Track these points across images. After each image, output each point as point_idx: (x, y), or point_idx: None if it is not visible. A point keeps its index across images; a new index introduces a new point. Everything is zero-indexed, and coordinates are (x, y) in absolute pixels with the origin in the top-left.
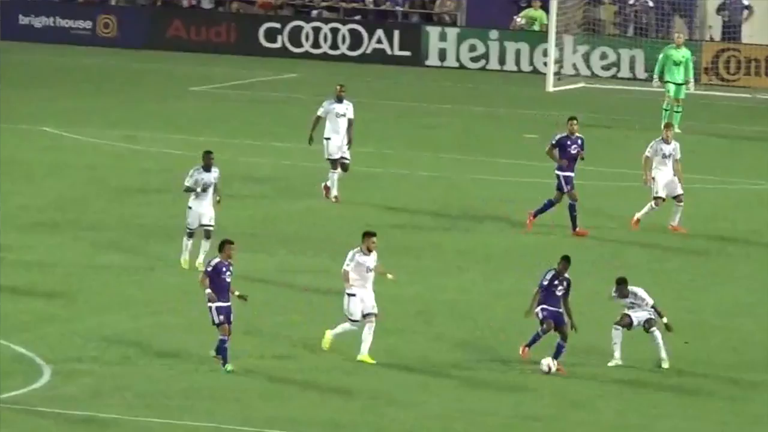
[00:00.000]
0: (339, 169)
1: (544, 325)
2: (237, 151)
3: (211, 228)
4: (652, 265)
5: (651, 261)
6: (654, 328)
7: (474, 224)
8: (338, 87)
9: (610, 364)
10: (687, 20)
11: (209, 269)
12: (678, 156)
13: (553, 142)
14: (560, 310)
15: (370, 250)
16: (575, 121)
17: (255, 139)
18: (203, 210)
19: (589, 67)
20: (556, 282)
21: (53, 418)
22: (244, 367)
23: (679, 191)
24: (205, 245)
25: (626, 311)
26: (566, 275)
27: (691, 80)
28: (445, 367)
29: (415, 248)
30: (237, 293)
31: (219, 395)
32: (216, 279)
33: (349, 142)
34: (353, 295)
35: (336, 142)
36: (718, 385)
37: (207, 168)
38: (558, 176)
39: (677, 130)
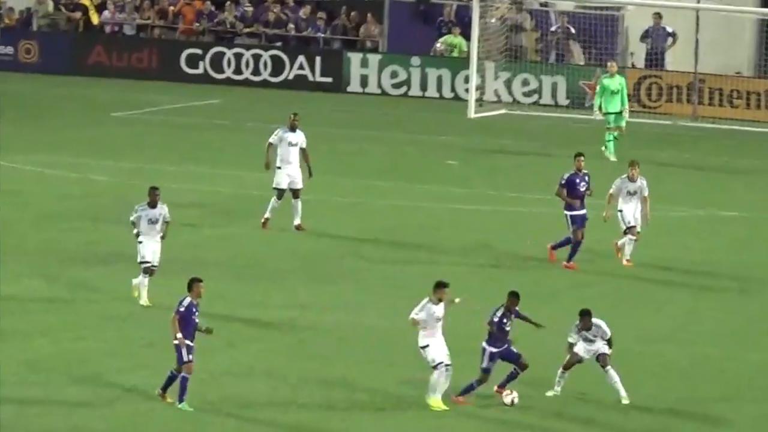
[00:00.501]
0: (281, 200)
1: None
2: (159, 177)
3: (155, 267)
4: (572, 291)
5: (571, 287)
6: (608, 367)
7: (395, 251)
8: (292, 116)
9: (548, 393)
10: (608, 47)
11: (182, 309)
12: (645, 193)
13: (563, 182)
14: (507, 346)
15: (440, 300)
16: (582, 158)
17: (176, 165)
18: (154, 247)
19: (510, 93)
20: (505, 320)
21: None
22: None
23: (638, 227)
24: (144, 281)
25: (578, 345)
26: (515, 309)
27: (626, 108)
28: (367, 391)
29: (336, 275)
30: (204, 328)
31: (141, 422)
32: (187, 319)
33: (310, 172)
34: (427, 346)
35: (286, 171)
36: (639, 414)
37: (152, 205)
38: (566, 216)
39: (613, 159)
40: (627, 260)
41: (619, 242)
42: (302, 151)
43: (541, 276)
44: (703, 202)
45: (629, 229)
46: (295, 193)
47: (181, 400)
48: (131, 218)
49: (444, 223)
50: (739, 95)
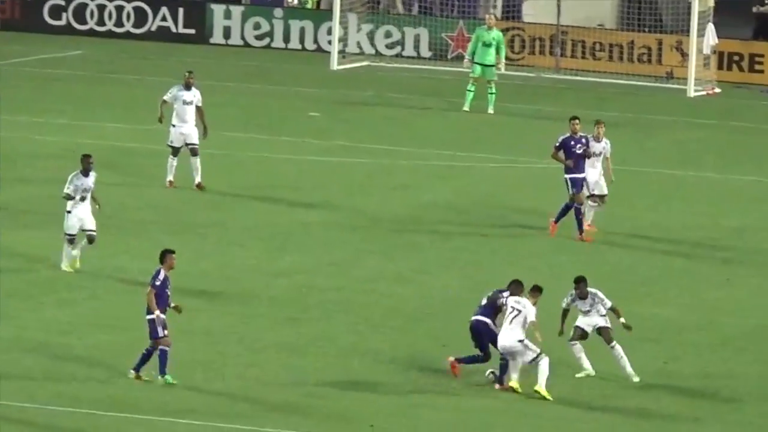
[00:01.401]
0: (177, 157)
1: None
2: (22, 129)
3: (94, 233)
4: (436, 244)
5: (435, 240)
6: (614, 343)
7: (257, 202)
8: (186, 74)
9: (578, 375)
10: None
11: (158, 283)
12: (608, 154)
13: (557, 144)
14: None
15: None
16: (577, 121)
17: (40, 117)
18: (83, 215)
19: (373, 45)
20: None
21: None
22: (27, 347)
23: (604, 191)
24: (83, 247)
25: (579, 319)
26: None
27: (502, 61)
28: (232, 341)
29: (200, 225)
30: (173, 305)
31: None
32: (161, 293)
33: (205, 131)
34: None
35: (180, 129)
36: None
37: (86, 172)
38: (565, 180)
39: (490, 112)
40: (589, 224)
41: (587, 222)
42: (198, 109)
43: (406, 233)
44: None
45: (591, 197)
46: (193, 150)
47: (163, 373)
48: (67, 191)
49: (306, 175)
50: (602, 47)
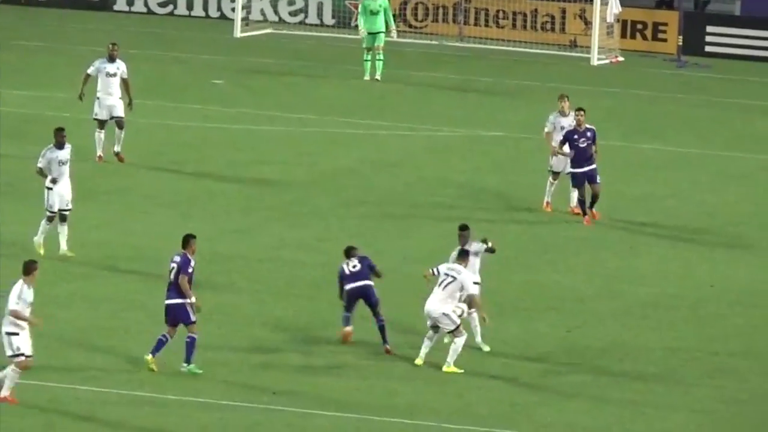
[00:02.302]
0: (104, 130)
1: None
2: None
3: (67, 212)
4: (339, 212)
5: (338, 208)
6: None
7: (160, 169)
8: (110, 46)
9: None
10: None
11: (191, 270)
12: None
13: (561, 138)
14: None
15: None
16: (582, 113)
17: None
18: (63, 191)
19: (276, 12)
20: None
21: None
22: None
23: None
24: (63, 229)
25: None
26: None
27: (393, 28)
28: (135, 308)
29: (103, 192)
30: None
31: None
32: (191, 277)
33: (130, 103)
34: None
35: (106, 102)
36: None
37: (60, 146)
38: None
39: (377, 78)
40: (572, 207)
41: (546, 197)
42: (123, 81)
43: (301, 194)
44: (468, 122)
45: (555, 174)
46: (119, 123)
47: (189, 362)
48: (39, 165)
49: (209, 143)
50: (506, 15)
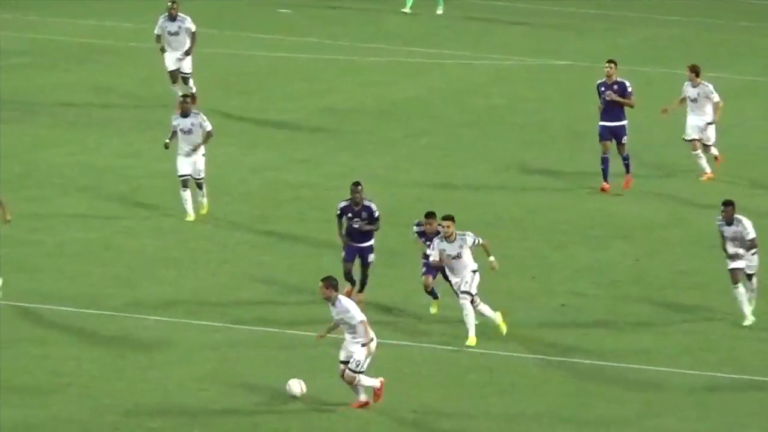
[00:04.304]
0: (178, 83)
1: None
2: None
3: (201, 180)
4: (407, 141)
5: (406, 137)
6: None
7: (228, 99)
8: (169, 4)
9: (745, 323)
10: None
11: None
12: (715, 99)
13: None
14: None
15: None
16: (612, 65)
17: None
18: (194, 159)
19: None
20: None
21: None
22: None
23: (711, 140)
24: (201, 194)
25: (729, 253)
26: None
27: None
28: (203, 238)
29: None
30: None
31: None
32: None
33: (187, 52)
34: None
35: (174, 55)
36: None
37: (184, 114)
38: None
39: (438, 12)
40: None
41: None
42: (192, 35)
43: (373, 125)
44: (534, 51)
45: (691, 142)
46: (185, 80)
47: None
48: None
49: (276, 72)
50: None
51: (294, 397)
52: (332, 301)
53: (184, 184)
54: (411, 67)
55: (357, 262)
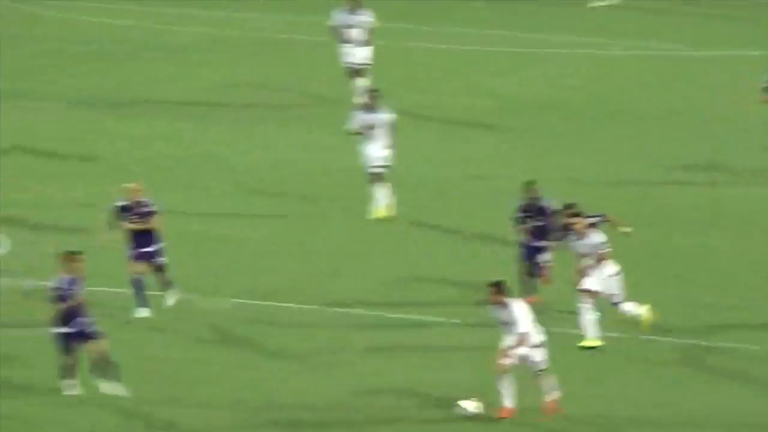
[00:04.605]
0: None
1: None
2: None
3: (379, 170)
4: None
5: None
6: None
7: (422, 88)
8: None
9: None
10: None
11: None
12: None
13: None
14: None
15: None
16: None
17: None
18: (375, 152)
19: None
20: None
21: None
22: None
23: None
24: (380, 189)
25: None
26: None
27: None
28: None
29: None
30: None
31: None
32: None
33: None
34: None
35: (353, 50)
36: None
37: (369, 109)
38: None
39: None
40: None
41: None
42: (369, 32)
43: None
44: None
45: None
46: (360, 72)
47: None
48: (352, 127)
49: (464, 64)
50: None
51: (468, 417)
52: (500, 306)
53: (373, 178)
54: (593, 59)
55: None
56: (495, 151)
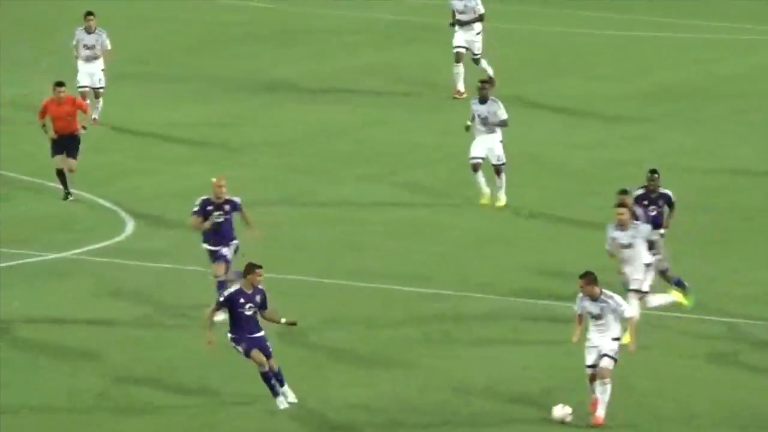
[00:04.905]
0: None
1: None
2: None
3: (501, 165)
4: (732, 118)
5: (731, 114)
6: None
7: (552, 76)
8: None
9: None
10: None
11: None
12: None
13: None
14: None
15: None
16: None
17: None
18: (487, 144)
19: None
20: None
21: (135, 270)
22: None
23: None
24: (498, 181)
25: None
26: None
27: None
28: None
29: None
30: None
31: None
32: None
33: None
34: None
35: (458, 35)
36: None
37: (482, 100)
38: None
39: None
40: None
41: None
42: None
43: (699, 102)
44: None
45: None
46: (477, 61)
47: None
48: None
49: (603, 49)
50: None
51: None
52: (595, 296)
53: (475, 168)
54: (738, 43)
55: None
56: (638, 133)
